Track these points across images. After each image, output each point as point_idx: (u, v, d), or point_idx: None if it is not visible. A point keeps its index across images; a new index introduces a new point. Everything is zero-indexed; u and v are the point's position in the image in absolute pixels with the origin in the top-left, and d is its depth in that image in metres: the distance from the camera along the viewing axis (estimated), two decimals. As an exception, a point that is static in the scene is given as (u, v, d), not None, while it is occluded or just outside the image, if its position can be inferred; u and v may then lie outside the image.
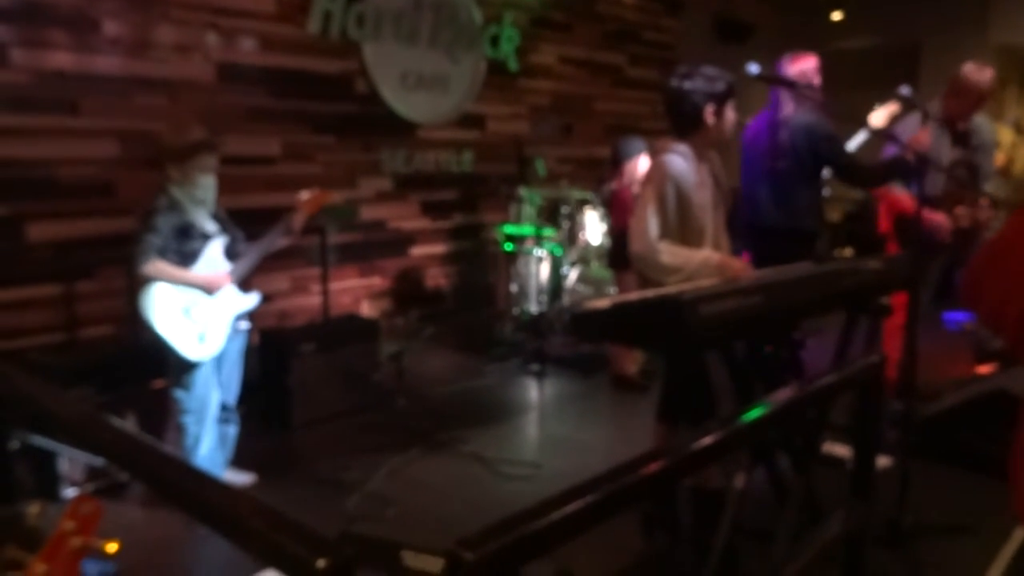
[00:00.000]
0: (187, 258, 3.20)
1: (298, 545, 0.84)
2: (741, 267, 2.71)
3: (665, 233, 2.76)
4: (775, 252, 3.64)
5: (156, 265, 3.10)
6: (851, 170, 3.81)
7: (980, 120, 4.16)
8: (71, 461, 3.30)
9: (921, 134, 3.75)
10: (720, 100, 2.81)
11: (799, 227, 3.82)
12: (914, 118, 4.05)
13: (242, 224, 3.54)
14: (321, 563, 0.81)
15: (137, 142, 4.30)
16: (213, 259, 3.29)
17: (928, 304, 4.35)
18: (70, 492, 3.29)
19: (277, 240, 3.43)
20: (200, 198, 3.23)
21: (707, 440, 1.32)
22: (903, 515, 2.87)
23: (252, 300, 3.43)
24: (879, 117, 4.08)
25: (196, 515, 0.99)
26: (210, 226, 3.30)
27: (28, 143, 4.02)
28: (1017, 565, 2.87)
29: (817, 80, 3.81)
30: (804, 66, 3.78)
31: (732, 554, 2.32)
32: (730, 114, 2.86)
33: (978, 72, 3.98)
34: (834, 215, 7.79)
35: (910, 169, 3.66)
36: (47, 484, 3.26)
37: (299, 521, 0.89)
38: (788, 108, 3.74)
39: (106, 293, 4.32)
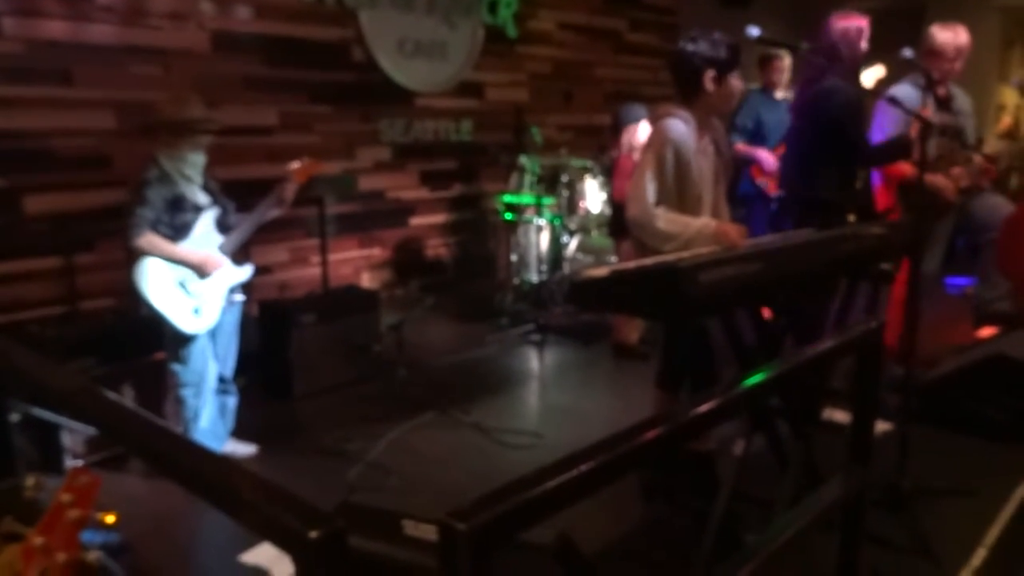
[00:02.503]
0: (180, 231, 3.18)
1: (290, 516, 0.84)
2: (738, 234, 2.69)
3: (663, 199, 2.73)
4: (787, 220, 3.60)
5: (149, 239, 3.08)
6: (856, 148, 3.61)
7: (955, 88, 4.15)
8: (73, 433, 3.31)
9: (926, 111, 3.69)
10: (722, 67, 2.76)
11: (809, 197, 3.64)
12: (910, 79, 4.02)
13: (240, 195, 3.52)
14: (313, 534, 0.80)
15: (133, 113, 4.26)
16: (206, 232, 3.27)
17: (937, 267, 4.34)
18: (74, 464, 3.31)
19: (269, 211, 3.40)
20: (187, 174, 3.20)
21: (704, 407, 1.31)
22: (903, 479, 2.88)
23: (246, 272, 3.42)
24: (866, 79, 4.03)
25: (188, 487, 0.99)
26: (202, 198, 3.28)
27: (22, 114, 3.99)
28: (1015, 528, 2.89)
29: (859, 43, 3.60)
30: (847, 25, 3.60)
31: (731, 520, 2.33)
32: (735, 83, 2.82)
33: (946, 30, 3.93)
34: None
35: (911, 146, 3.60)
36: (50, 456, 3.28)
37: (291, 492, 0.88)
38: (807, 72, 3.68)
39: (106, 265, 4.31)
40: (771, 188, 5.32)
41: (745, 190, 5.53)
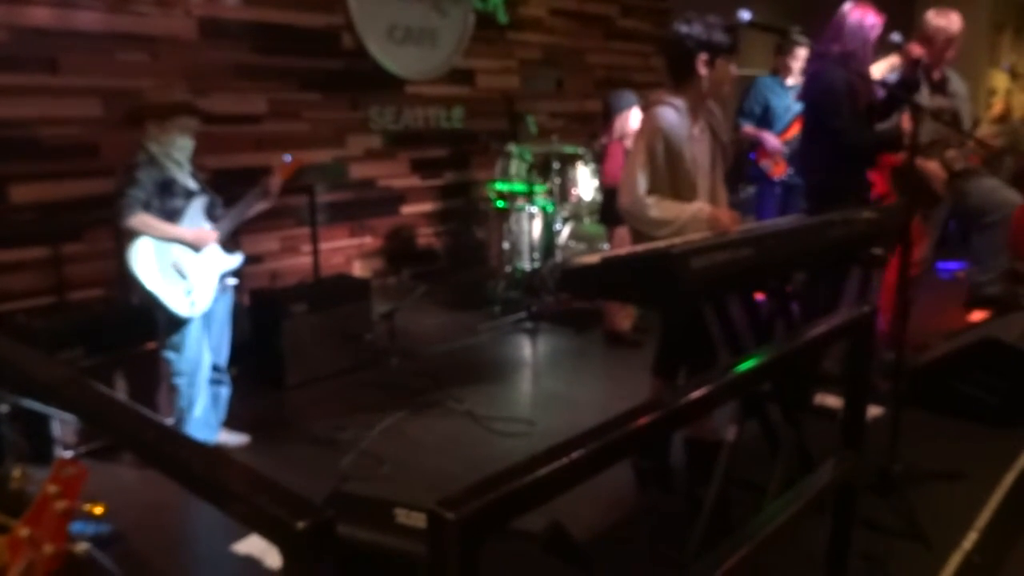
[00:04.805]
0: (170, 216, 3.16)
1: (277, 507, 0.82)
2: (731, 219, 2.69)
3: (655, 187, 2.72)
4: (797, 203, 3.63)
5: (142, 219, 3.06)
6: (840, 135, 3.50)
7: (949, 72, 4.14)
8: (63, 424, 3.30)
9: (912, 45, 3.56)
10: (715, 50, 2.74)
11: (807, 182, 3.77)
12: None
13: (230, 184, 3.50)
14: (300, 525, 0.79)
15: (120, 101, 4.21)
16: (195, 218, 3.25)
17: (931, 253, 4.34)
18: (65, 454, 3.29)
19: (254, 204, 3.38)
20: (176, 159, 3.18)
21: (696, 393, 1.30)
22: (894, 463, 2.90)
23: (236, 260, 3.40)
24: (879, 68, 4.01)
25: (176, 478, 0.98)
26: (192, 183, 3.26)
27: (7, 102, 3.94)
28: (1006, 511, 2.90)
29: (860, 33, 3.49)
30: (852, 15, 3.53)
31: (725, 506, 2.33)
32: (727, 68, 2.80)
33: (940, 16, 3.91)
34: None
35: (901, 137, 3.57)
36: (41, 447, 3.26)
37: (279, 483, 0.87)
38: (811, 58, 3.71)
39: (94, 255, 4.28)
40: (773, 171, 5.36)
41: (753, 172, 5.56)
